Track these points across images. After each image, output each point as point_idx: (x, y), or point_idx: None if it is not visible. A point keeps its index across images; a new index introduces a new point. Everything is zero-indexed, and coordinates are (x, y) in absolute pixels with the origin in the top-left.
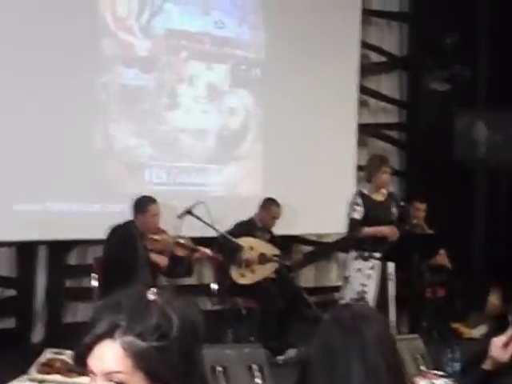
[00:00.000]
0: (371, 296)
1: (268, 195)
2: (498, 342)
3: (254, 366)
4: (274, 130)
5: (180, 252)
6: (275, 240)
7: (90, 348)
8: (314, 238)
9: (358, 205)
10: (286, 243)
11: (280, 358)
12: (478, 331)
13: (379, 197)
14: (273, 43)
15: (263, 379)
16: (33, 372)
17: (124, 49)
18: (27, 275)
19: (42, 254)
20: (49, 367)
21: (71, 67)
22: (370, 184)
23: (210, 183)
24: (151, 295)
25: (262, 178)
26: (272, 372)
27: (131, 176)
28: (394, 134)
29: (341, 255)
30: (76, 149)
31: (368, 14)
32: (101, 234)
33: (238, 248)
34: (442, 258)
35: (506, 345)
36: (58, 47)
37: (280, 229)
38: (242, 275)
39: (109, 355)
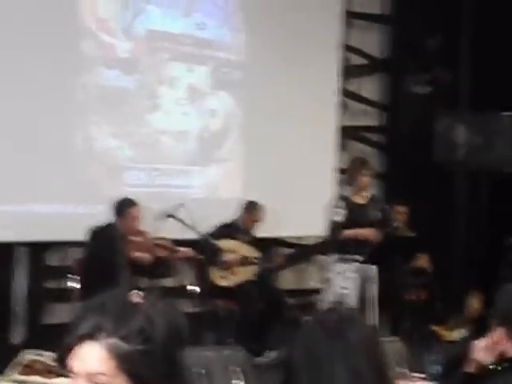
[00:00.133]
0: (352, 299)
1: (248, 197)
2: (480, 345)
3: (234, 369)
4: (255, 132)
5: (161, 253)
6: (256, 242)
7: (73, 348)
8: (294, 241)
9: (339, 208)
10: (267, 245)
11: (260, 360)
12: (458, 334)
13: (360, 199)
14: (254, 45)
15: (243, 381)
16: (11, 373)
17: (105, 50)
18: (6, 276)
19: (22, 254)
20: (28, 368)
21: (52, 68)
22: (351, 187)
23: (191, 185)
24: (135, 298)
25: (242, 180)
26: (252, 374)
27: (111, 178)
28: (374, 136)
29: (321, 258)
30: (56, 150)
31: (349, 16)
32: (81, 235)
33: (219, 250)
34: (422, 261)
35: (488, 348)
36: (39, 48)
37: (260, 231)
38: (223, 277)
39: (92, 356)
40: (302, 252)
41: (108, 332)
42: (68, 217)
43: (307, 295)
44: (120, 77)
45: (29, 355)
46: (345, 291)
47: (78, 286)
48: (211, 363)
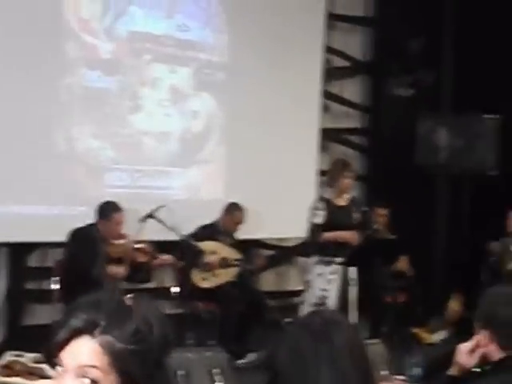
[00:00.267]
0: (332, 301)
1: (230, 199)
2: (464, 348)
3: (216, 370)
4: (237, 134)
5: (141, 258)
6: (237, 244)
7: (66, 342)
8: (274, 243)
9: (319, 209)
10: (247, 247)
11: (240, 361)
12: (438, 336)
13: (341, 201)
14: (236, 46)
15: (224, 383)
16: None
17: (87, 51)
18: None
19: (3, 255)
20: (9, 370)
21: (34, 68)
22: (332, 189)
23: (172, 186)
24: (128, 300)
25: (224, 182)
26: (233, 376)
27: (93, 179)
28: (356, 139)
29: (301, 260)
30: (38, 151)
31: (332, 19)
32: (62, 236)
33: (200, 252)
34: (403, 263)
35: (471, 351)
36: (21, 48)
37: (241, 233)
38: (204, 279)
39: (86, 350)
40: (283, 254)
41: (103, 329)
42: (49, 218)
43: (288, 297)
44: (102, 78)
45: (9, 356)
46: (325, 293)
47: (58, 287)
48: (192, 365)
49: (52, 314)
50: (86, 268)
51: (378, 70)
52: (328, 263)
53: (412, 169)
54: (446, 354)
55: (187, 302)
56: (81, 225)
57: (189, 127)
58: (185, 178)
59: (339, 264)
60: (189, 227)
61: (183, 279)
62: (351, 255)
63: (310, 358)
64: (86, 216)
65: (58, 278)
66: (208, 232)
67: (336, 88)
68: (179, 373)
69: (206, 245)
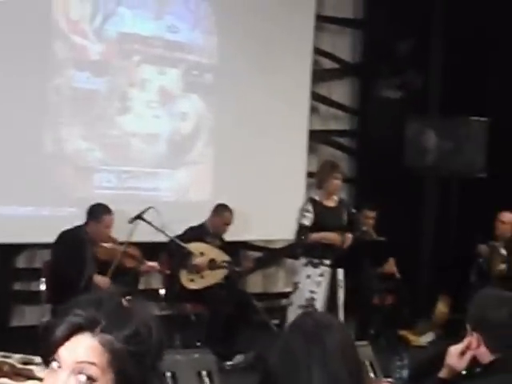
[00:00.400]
0: (320, 303)
1: (218, 200)
2: (454, 350)
3: (203, 372)
4: (225, 136)
5: (128, 262)
6: (225, 246)
7: (66, 338)
8: (262, 244)
9: (307, 211)
10: (235, 249)
11: (228, 363)
12: (426, 338)
13: (330, 203)
14: (225, 48)
15: None
16: None
17: (76, 52)
18: None
19: None
20: None
21: (23, 69)
22: (320, 190)
23: (161, 188)
24: (126, 302)
25: (212, 184)
26: (220, 377)
27: (81, 180)
28: (344, 141)
29: (289, 261)
30: (26, 152)
31: (321, 20)
32: (50, 237)
33: (189, 253)
34: (390, 265)
35: (462, 353)
36: (10, 49)
37: (229, 234)
38: (192, 280)
39: (86, 346)
40: (271, 256)
41: (104, 328)
42: (37, 219)
43: (275, 299)
44: (91, 79)
45: None
46: (313, 295)
47: (45, 288)
48: (179, 366)
49: (40, 315)
50: (71, 271)
51: (366, 71)
52: (316, 265)
53: (400, 171)
54: (432, 356)
55: (175, 303)
56: (69, 226)
57: (177, 129)
58: (173, 180)
59: (328, 266)
60: (177, 229)
61: (171, 281)
62: (339, 257)
63: (301, 359)
64: (75, 217)
65: (45, 279)
66: (196, 233)
67: (324, 90)
68: (167, 374)
69: (195, 246)
